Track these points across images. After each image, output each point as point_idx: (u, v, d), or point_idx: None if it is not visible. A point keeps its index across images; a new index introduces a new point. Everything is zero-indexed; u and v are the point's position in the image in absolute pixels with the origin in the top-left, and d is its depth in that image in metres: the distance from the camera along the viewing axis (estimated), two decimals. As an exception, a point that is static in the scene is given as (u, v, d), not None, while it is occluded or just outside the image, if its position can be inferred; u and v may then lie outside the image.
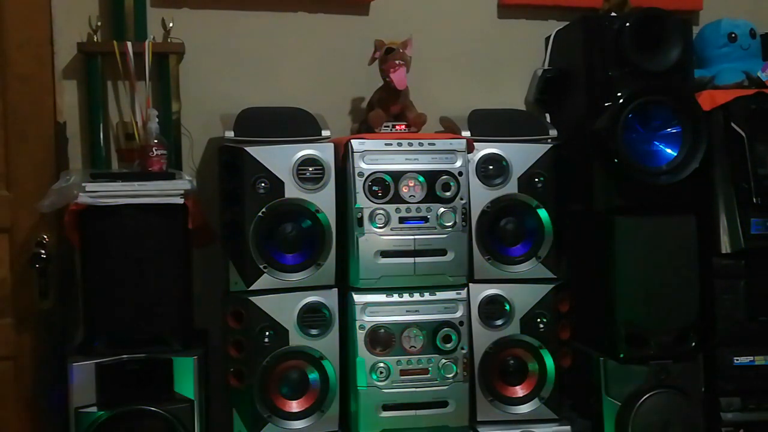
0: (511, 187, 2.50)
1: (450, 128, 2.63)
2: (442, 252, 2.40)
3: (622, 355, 2.50)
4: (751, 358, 2.58)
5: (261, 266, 2.32)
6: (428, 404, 2.38)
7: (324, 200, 2.36)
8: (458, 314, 2.41)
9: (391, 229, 2.36)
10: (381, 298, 2.37)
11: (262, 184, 2.32)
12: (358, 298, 2.36)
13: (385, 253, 2.36)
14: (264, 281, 2.33)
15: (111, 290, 2.24)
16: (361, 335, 2.35)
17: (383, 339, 2.36)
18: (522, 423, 2.47)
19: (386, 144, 2.39)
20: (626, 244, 2.50)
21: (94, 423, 2.17)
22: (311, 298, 2.36)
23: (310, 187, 2.35)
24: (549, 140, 2.58)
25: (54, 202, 2.26)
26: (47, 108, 2.54)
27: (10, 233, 2.48)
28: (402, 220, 2.37)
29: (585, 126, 2.55)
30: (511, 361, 2.49)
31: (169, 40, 2.64)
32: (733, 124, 2.57)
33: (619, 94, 2.47)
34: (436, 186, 2.39)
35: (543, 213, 2.50)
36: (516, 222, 2.52)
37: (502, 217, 2.51)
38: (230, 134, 2.36)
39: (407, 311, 2.39)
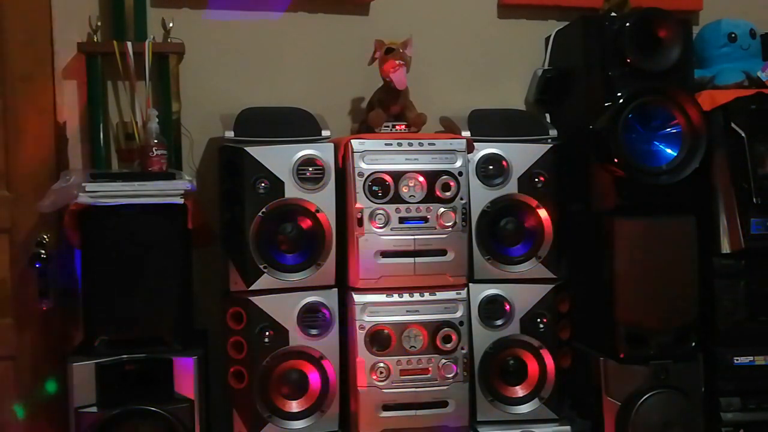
0: (511, 187, 2.50)
1: (450, 128, 2.63)
2: (442, 252, 2.39)
3: (622, 355, 2.50)
4: (751, 358, 2.58)
5: (261, 266, 2.32)
6: (428, 404, 2.38)
7: (324, 200, 2.36)
8: (458, 314, 2.41)
9: (391, 229, 2.36)
10: (381, 298, 2.37)
11: (262, 184, 2.32)
12: (358, 298, 2.36)
13: (385, 253, 2.36)
14: (264, 281, 2.33)
15: (111, 290, 2.24)
16: (361, 335, 2.35)
17: (383, 339, 2.36)
18: (522, 423, 2.47)
19: (386, 144, 2.39)
20: (626, 244, 2.50)
21: (94, 423, 2.17)
22: (311, 298, 2.36)
23: (310, 187, 2.35)
24: (549, 140, 2.58)
25: (54, 202, 2.26)
26: (47, 108, 2.54)
27: (10, 233, 2.49)
28: (402, 220, 2.37)
29: (585, 126, 2.55)
30: (511, 361, 2.49)
31: (169, 40, 2.64)
32: (733, 124, 2.57)
33: (619, 94, 2.47)
34: (436, 186, 2.38)
35: (543, 213, 2.50)
36: (516, 222, 2.52)
37: (502, 217, 2.51)
38: (230, 134, 2.36)
39: (407, 311, 2.38)
